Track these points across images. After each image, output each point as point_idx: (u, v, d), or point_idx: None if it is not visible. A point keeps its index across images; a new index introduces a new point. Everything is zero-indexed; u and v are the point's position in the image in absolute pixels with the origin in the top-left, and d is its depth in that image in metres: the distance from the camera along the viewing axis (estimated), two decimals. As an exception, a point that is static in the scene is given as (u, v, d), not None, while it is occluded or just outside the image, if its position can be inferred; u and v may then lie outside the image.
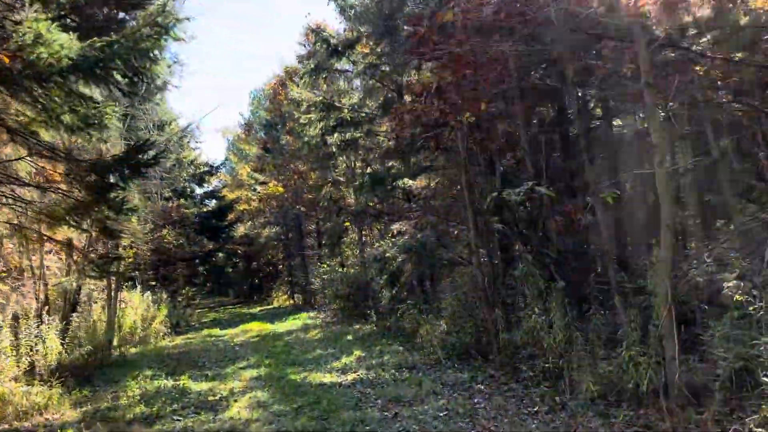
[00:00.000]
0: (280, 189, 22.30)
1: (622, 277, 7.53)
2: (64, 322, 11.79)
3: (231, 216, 30.79)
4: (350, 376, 9.75)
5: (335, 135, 16.03)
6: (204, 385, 9.97)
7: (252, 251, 37.14)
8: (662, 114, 7.86)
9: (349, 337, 14.87)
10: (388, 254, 12.11)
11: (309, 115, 14.78)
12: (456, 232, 14.49)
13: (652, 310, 6.57)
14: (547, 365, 7.43)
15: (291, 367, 11.23)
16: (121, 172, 8.00)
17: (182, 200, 26.57)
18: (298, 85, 16.61)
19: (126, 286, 17.83)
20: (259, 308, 31.57)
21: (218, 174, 32.28)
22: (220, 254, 43.59)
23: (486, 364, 9.05)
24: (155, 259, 22.46)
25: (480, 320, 9.73)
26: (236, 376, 10.75)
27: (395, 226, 13.66)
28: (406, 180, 13.60)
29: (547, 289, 8.26)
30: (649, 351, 6.12)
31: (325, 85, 16.18)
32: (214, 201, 31.95)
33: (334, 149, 16.11)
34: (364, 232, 20.45)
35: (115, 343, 15.01)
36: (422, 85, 6.50)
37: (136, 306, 17.21)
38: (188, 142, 27.97)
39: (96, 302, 15.45)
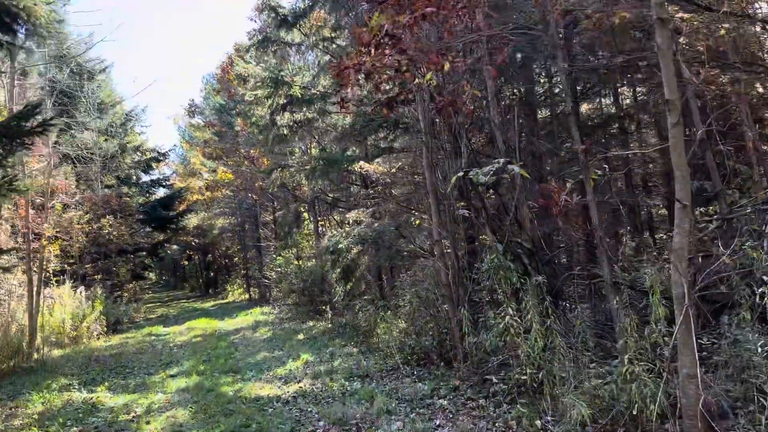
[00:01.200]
0: (229, 176, 20.57)
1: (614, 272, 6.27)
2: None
3: (181, 206, 28.83)
4: (293, 388, 8.31)
5: (286, 115, 14.51)
6: (121, 399, 8.41)
7: (206, 243, 35.24)
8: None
9: (300, 337, 13.43)
10: (341, 245, 10.66)
11: (256, 92, 13.21)
12: (417, 222, 13.24)
13: (649, 311, 5.34)
14: (523, 377, 6.12)
15: (227, 375, 9.73)
16: (-2, 142, 6.37)
17: (126, 188, 24.56)
18: (246, 62, 14.98)
19: (55, 281, 15.97)
20: (212, 303, 29.81)
21: (166, 161, 30.24)
22: (174, 246, 41.56)
23: (450, 372, 7.72)
24: (94, 251, 20.52)
25: (443, 320, 8.40)
26: (162, 386, 9.21)
27: (351, 215, 12.24)
28: (363, 164, 12.17)
29: (522, 286, 6.98)
30: (654, 364, 4.86)
31: (274, 61, 14.58)
32: (162, 190, 29.92)
33: (285, 131, 14.54)
34: (321, 222, 18.97)
35: (38, 344, 13.22)
36: (372, 31, 5.07)
37: (66, 303, 15.39)
38: (133, 126, 25.97)
39: (16, 299, 13.63)
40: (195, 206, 30.15)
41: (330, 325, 14.36)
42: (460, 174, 7.20)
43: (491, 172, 6.86)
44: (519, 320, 6.47)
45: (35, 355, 12.77)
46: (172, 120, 31.51)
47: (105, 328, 16.86)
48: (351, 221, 12.26)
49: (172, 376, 10.18)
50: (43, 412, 7.76)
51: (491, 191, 8.09)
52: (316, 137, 14.89)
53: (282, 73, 12.94)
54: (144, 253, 26.81)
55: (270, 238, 23.46)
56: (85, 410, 7.81)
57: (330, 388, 7.90)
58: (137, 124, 26.87)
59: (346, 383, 8.09)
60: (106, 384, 9.54)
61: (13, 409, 7.99)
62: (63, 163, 21.02)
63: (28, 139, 6.57)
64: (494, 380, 6.65)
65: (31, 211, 13.70)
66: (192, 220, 33.42)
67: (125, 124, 25.32)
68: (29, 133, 6.43)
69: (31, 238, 13.12)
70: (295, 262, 19.07)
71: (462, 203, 8.28)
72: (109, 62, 26.58)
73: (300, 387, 8.23)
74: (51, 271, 15.87)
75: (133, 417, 7.35)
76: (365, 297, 11.86)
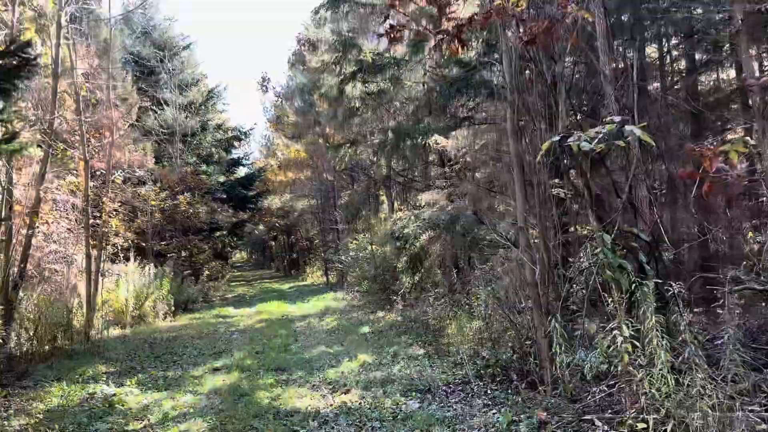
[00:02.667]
0: (302, 154, 19.32)
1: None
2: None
3: (262, 186, 28.11)
4: (338, 399, 6.75)
5: (357, 86, 12.95)
6: (145, 398, 7.20)
7: (289, 225, 34.66)
8: None
9: (365, 330, 11.91)
10: (407, 230, 8.96)
11: (323, 57, 11.71)
12: (500, 207, 11.34)
13: None
14: (641, 425, 4.19)
15: (272, 373, 8.35)
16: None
17: (205, 166, 24.03)
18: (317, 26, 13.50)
19: (123, 258, 15.34)
20: (291, 284, 29.13)
21: (247, 140, 29.61)
22: (261, 227, 41.51)
23: (533, 398, 5.85)
24: (170, 228, 20.01)
25: (526, 330, 6.53)
26: (198, 383, 7.95)
27: (425, 197, 10.48)
28: (438, 139, 10.38)
29: (636, 291, 5.02)
30: None
31: (345, 25, 12.99)
32: (243, 169, 29.35)
33: (356, 103, 12.99)
34: (397, 205, 17.36)
35: (96, 323, 12.52)
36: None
37: (132, 280, 14.70)
38: (214, 104, 25.40)
39: (78, 273, 12.98)
40: (275, 187, 29.40)
41: (399, 318, 12.77)
42: (556, 139, 5.27)
43: (599, 137, 4.91)
44: (636, 341, 4.53)
45: (92, 335, 12.07)
46: (257, 99, 30.32)
47: (172, 308, 16.11)
48: (423, 204, 10.49)
49: (215, 369, 8.94)
50: (51, 410, 6.65)
51: (597, 164, 6.09)
52: (390, 110, 13.22)
53: (351, 35, 11.34)
54: (224, 232, 26.37)
55: (345, 221, 22.17)
56: (98, 412, 6.61)
57: (381, 406, 6.26)
58: (219, 101, 26.37)
59: (402, 400, 6.42)
60: (140, 376, 8.41)
61: (26, 403, 6.93)
62: (142, 139, 20.64)
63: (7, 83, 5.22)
64: (596, 422, 4.74)
65: (91, 183, 12.97)
66: (275, 201, 32.88)
67: (207, 102, 24.78)
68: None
69: (90, 210, 12.37)
70: (369, 248, 17.59)
71: (556, 181, 6.34)
72: (193, 39, 26.09)
73: (346, 400, 6.65)
74: (119, 247, 15.26)
75: (145, 426, 6.05)
76: (437, 290, 10.13)
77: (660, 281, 5.24)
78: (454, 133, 10.59)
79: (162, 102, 22.17)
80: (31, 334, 9.62)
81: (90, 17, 15.62)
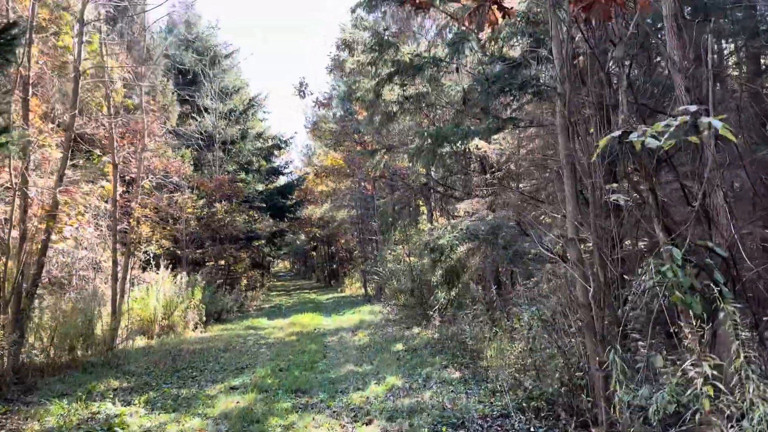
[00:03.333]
0: (340, 162, 18.71)
1: None
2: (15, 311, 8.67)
3: (301, 195, 27.67)
4: None
5: (395, 89, 12.25)
6: (149, 421, 6.57)
7: (329, 235, 34.20)
8: None
9: (398, 347, 11.09)
10: (443, 241, 8.13)
11: (359, 58, 11.05)
12: (545, 219, 10.43)
13: None
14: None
15: (292, 396, 7.63)
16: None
17: (243, 174, 23.71)
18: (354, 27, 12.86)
19: (154, 265, 14.99)
20: (330, 296, 28.52)
21: (287, 149, 29.22)
22: (302, 236, 41.21)
23: (585, 441, 4.93)
24: (207, 236, 19.67)
25: (576, 358, 5.59)
26: (210, 405, 7.29)
27: (463, 206, 9.63)
28: (479, 143, 9.57)
29: (710, 317, 4.13)
30: None
31: (383, 24, 12.33)
32: (283, 178, 29.00)
33: (393, 108, 12.26)
34: (436, 215, 16.52)
35: (120, 333, 12.12)
36: None
37: (161, 289, 14.30)
38: (255, 112, 25.14)
39: (102, 280, 12.63)
40: (315, 197, 28.94)
41: (436, 336, 11.92)
42: (616, 134, 4.39)
43: (669, 132, 4.01)
44: (718, 381, 3.61)
45: (116, 345, 11.64)
46: (299, 107, 29.70)
47: (203, 318, 15.66)
48: (462, 213, 9.64)
49: (232, 388, 8.27)
50: None
51: (661, 166, 5.18)
52: (429, 115, 12.44)
53: (388, 33, 10.64)
54: (263, 241, 26.01)
55: (381, 232, 21.46)
56: (93, 436, 6.01)
57: (406, 442, 5.44)
58: (260, 110, 26.11)
59: (431, 436, 5.58)
60: (151, 394, 7.82)
61: (23, 422, 6.39)
62: (181, 146, 20.46)
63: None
64: (667, 482, 3.81)
65: (122, 189, 12.63)
66: (315, 211, 32.47)
67: (247, 110, 24.55)
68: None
69: (119, 216, 12.01)
70: (407, 259, 16.79)
71: (614, 185, 5.44)
72: (235, 47, 25.97)
73: (368, 432, 5.85)
74: (151, 254, 14.91)
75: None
76: (475, 307, 9.25)
77: (739, 305, 4.30)
78: (496, 137, 9.74)
79: (202, 109, 22.01)
80: (46, 344, 9.20)
81: (126, 18, 15.40)
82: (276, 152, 27.29)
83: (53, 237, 10.64)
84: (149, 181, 15.09)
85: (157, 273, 14.93)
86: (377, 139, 14.17)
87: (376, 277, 19.40)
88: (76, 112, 9.32)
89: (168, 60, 21.16)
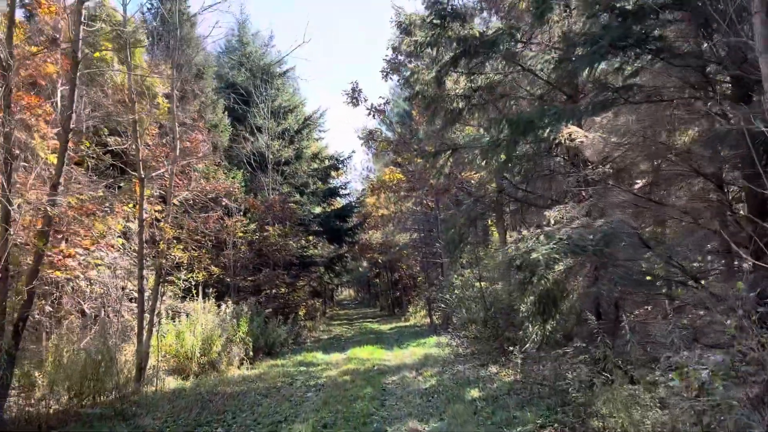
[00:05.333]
0: (398, 176, 16.58)
1: None
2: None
3: (357, 217, 25.70)
4: None
5: (461, 81, 10.11)
6: None
7: (391, 261, 32.01)
8: None
9: (474, 394, 8.71)
10: (536, 255, 5.76)
11: (416, 37, 8.99)
12: (661, 229, 8.08)
13: None
14: None
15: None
16: None
17: (298, 196, 21.97)
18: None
19: (190, 294, 13.25)
20: (392, 325, 26.20)
21: (345, 169, 27.33)
22: (365, 263, 39.22)
23: None
24: (257, 262, 17.92)
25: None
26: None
27: (552, 214, 7.20)
28: (572, 130, 7.25)
29: None
30: None
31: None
32: (340, 200, 27.14)
33: (459, 104, 10.09)
34: (509, 232, 14.07)
35: (149, 374, 10.32)
36: None
37: (201, 321, 12.48)
38: (310, 131, 23.54)
39: (130, 312, 10.93)
40: (375, 221, 26.90)
41: (519, 377, 9.45)
42: None
43: None
44: None
45: (142, 388, 9.83)
46: (358, 133, 27.35)
47: (250, 353, 13.73)
48: (553, 222, 7.21)
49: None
50: None
51: None
52: (502, 111, 10.15)
53: (453, 4, 8.53)
54: (321, 268, 24.13)
55: (447, 252, 19.09)
56: None
57: None
58: (315, 129, 24.51)
59: None
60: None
61: None
62: (233, 168, 19.00)
63: None
64: None
65: (150, 207, 10.96)
66: (375, 236, 30.44)
67: (302, 129, 22.98)
68: None
69: (146, 238, 10.33)
70: (477, 284, 14.36)
71: None
72: (290, 65, 24.60)
73: None
74: (192, 282, 13.18)
75: None
76: (578, 344, 6.77)
77: None
78: (598, 119, 7.36)
79: (255, 129, 20.57)
80: (43, 392, 7.42)
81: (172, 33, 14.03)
82: (333, 173, 25.56)
83: (68, 262, 9.00)
84: (188, 201, 13.49)
85: (202, 303, 13.18)
86: (437, 140, 11.99)
87: (442, 305, 17.00)
88: (74, 109, 7.63)
89: (217, 76, 19.93)
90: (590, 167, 7.89)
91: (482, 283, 14.37)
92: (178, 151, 10.93)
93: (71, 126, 7.49)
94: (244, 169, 19.74)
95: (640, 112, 6.90)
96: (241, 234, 16.84)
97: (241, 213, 17.89)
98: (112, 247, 10.45)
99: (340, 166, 25.10)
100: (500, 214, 12.55)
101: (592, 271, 6.49)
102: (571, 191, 7.87)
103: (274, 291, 18.43)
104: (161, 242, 10.50)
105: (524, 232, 6.43)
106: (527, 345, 6.82)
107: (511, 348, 10.96)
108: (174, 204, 11.52)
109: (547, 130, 7.28)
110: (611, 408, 6.07)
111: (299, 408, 8.76)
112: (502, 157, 7.69)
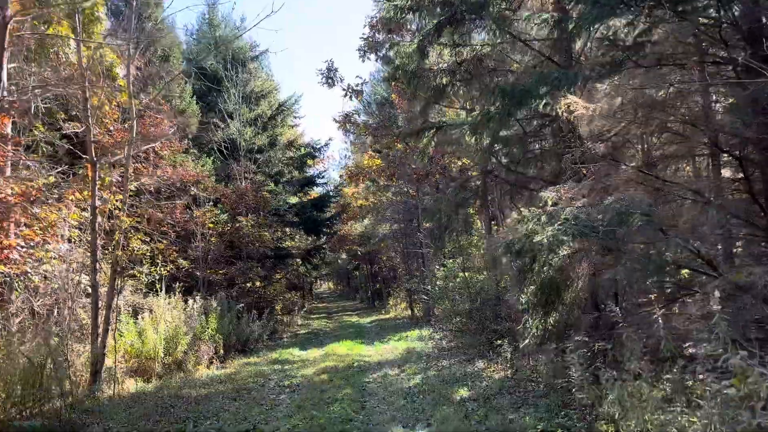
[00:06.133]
0: (377, 161, 15.66)
1: None
2: None
3: (334, 208, 24.72)
4: None
5: (445, 53, 9.27)
6: None
7: (370, 252, 31.11)
8: None
9: (462, 393, 7.91)
10: (539, 238, 4.93)
11: (396, 1, 8.10)
12: (672, 212, 7.21)
13: None
14: None
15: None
16: None
17: (273, 185, 20.89)
18: None
19: (153, 289, 12.24)
20: (372, 318, 25.35)
21: (322, 157, 26.21)
22: (343, 255, 38.24)
23: None
24: (229, 254, 16.87)
25: None
26: None
27: (548, 195, 6.36)
28: (570, 100, 6.42)
29: None
30: None
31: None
32: (318, 190, 26.09)
33: (443, 79, 9.23)
34: (494, 220, 13.28)
35: (107, 376, 9.32)
36: None
37: (169, 317, 11.48)
38: (284, 118, 22.47)
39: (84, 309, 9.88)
40: (354, 213, 25.93)
41: (511, 374, 8.68)
42: None
43: None
44: None
45: (98, 392, 8.83)
46: (336, 123, 26.39)
47: (221, 351, 12.75)
48: (549, 204, 6.38)
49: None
50: None
51: None
52: (489, 84, 9.31)
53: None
54: (298, 260, 23.11)
55: (430, 245, 18.27)
56: None
57: None
58: (290, 115, 23.40)
59: None
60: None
61: None
62: (203, 155, 17.93)
63: None
64: None
65: (111, 196, 9.93)
66: (355, 227, 29.50)
67: (276, 115, 21.87)
68: None
69: (99, 228, 9.30)
70: (461, 275, 13.58)
71: None
72: (263, 49, 23.39)
73: None
74: (157, 276, 12.15)
75: None
76: (578, 339, 5.96)
77: None
78: (604, 87, 6.55)
79: (226, 115, 19.42)
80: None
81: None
82: (310, 161, 24.48)
83: (10, 254, 7.96)
84: (154, 189, 12.43)
85: (166, 298, 12.15)
86: (421, 119, 11.07)
87: (424, 296, 16.21)
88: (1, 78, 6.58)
89: (185, 60, 18.76)
90: (589, 143, 7.10)
91: (467, 274, 13.59)
92: (135, 133, 9.87)
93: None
94: (215, 157, 18.64)
95: (648, 78, 6.10)
96: (211, 225, 15.79)
97: (212, 203, 16.82)
98: (63, 238, 9.39)
99: (317, 154, 24.05)
100: (485, 200, 11.72)
101: (598, 256, 5.69)
102: (571, 168, 7.06)
103: (248, 285, 17.41)
104: (117, 232, 9.45)
105: (525, 212, 5.59)
106: (527, 340, 6.00)
107: (499, 342, 10.22)
108: (131, 190, 10.47)
109: (544, 101, 6.46)
110: (621, 409, 5.30)
111: (270, 413, 7.85)
112: (493, 131, 6.84)
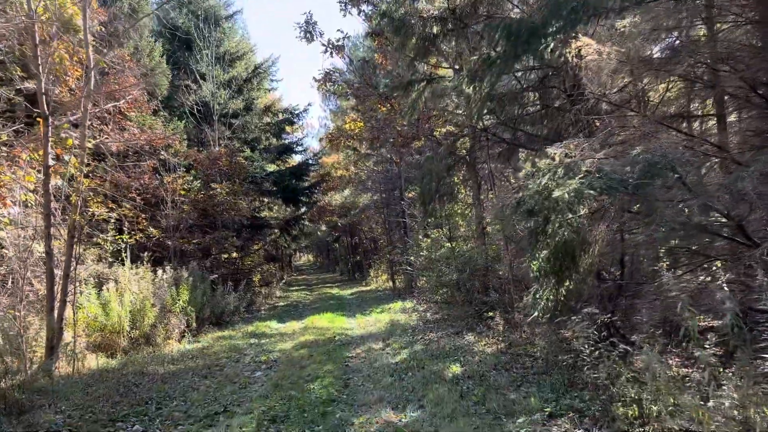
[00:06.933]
0: (359, 124, 14.69)
1: None
2: None
3: (314, 177, 23.71)
4: None
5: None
6: None
7: (351, 224, 30.26)
8: None
9: (454, 370, 7.20)
10: (558, 193, 4.14)
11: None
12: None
13: None
14: None
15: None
16: None
17: (250, 152, 19.79)
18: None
19: (118, 258, 11.29)
20: (353, 290, 24.63)
21: (301, 123, 25.06)
22: (323, 227, 37.31)
23: None
24: (204, 223, 15.89)
25: None
26: None
27: (554, 151, 5.53)
28: (586, 47, 5.62)
29: None
30: None
31: None
32: (298, 158, 24.98)
33: (434, 29, 8.31)
34: (485, 183, 12.51)
35: (70, 349, 8.44)
36: None
37: (136, 289, 10.57)
38: (261, 81, 21.27)
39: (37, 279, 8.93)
40: (333, 182, 24.94)
41: (504, 347, 8.00)
42: None
43: None
44: None
45: (55, 370, 7.95)
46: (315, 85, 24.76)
47: (193, 324, 11.90)
48: (557, 159, 5.57)
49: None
50: None
51: None
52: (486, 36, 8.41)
53: None
54: (276, 230, 22.15)
55: (415, 215, 17.49)
56: None
57: None
58: (267, 79, 22.17)
59: None
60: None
61: None
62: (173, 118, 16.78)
63: None
64: None
65: (73, 159, 8.88)
66: (335, 198, 28.57)
67: (252, 78, 20.65)
68: None
69: (53, 190, 8.31)
70: (447, 245, 12.84)
71: None
72: (237, 8, 21.99)
73: None
74: (124, 244, 11.19)
75: None
76: (587, 310, 5.25)
77: None
78: (625, 25, 5.74)
79: (199, 77, 18.20)
80: None
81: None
82: (288, 128, 23.33)
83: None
84: (119, 152, 11.39)
85: (133, 268, 11.21)
86: (407, 70, 10.07)
87: (408, 267, 15.47)
88: None
89: (155, 17, 17.42)
90: (601, 92, 6.29)
91: (453, 243, 12.86)
92: (93, 83, 8.80)
93: None
94: (187, 121, 17.47)
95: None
96: (183, 191, 14.78)
97: (184, 169, 15.76)
98: (18, 202, 8.38)
99: (296, 120, 22.90)
100: (474, 166, 10.92)
101: (619, 216, 4.93)
102: (579, 123, 6.26)
103: (224, 256, 16.49)
104: (74, 194, 8.45)
105: (540, 162, 4.79)
106: (535, 314, 5.25)
107: (490, 314, 9.54)
108: (90, 149, 9.44)
109: (551, 46, 5.62)
110: (633, 394, 4.63)
111: (244, 392, 7.08)
112: (495, 77, 5.99)
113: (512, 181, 9.70)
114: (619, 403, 4.83)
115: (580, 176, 4.28)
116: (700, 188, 4.86)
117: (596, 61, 5.84)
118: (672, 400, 4.30)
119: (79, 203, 8.60)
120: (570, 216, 4.43)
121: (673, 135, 5.61)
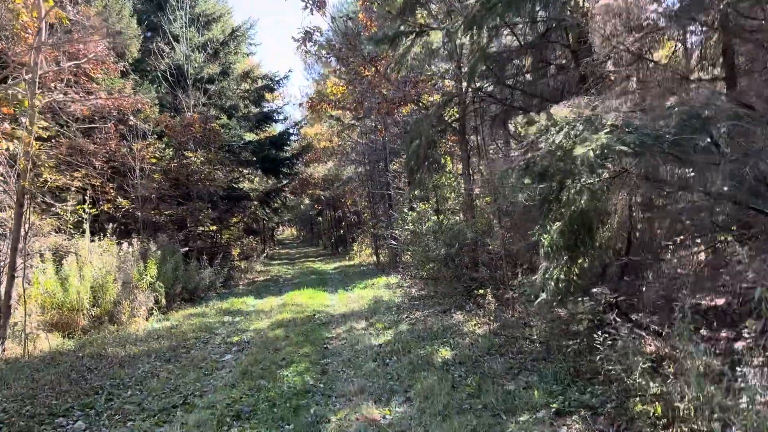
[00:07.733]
0: (341, 89, 13.72)
1: None
2: None
3: (296, 148, 22.69)
4: None
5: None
6: None
7: (334, 197, 29.35)
8: None
9: (444, 354, 6.48)
10: (581, 151, 3.34)
11: None
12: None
13: None
14: None
15: None
16: None
17: (228, 120, 18.69)
18: None
19: (79, 229, 10.35)
20: (336, 265, 23.84)
21: (280, 91, 23.90)
22: (306, 201, 36.36)
23: None
24: (177, 194, 14.90)
25: None
26: None
27: (559, 110, 4.68)
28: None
29: None
30: None
31: None
32: (279, 126, 23.87)
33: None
34: (474, 153, 11.68)
35: (20, 327, 7.59)
36: None
37: (99, 263, 9.68)
38: (238, 45, 20.06)
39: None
40: (316, 155, 23.93)
41: (496, 327, 7.30)
42: None
43: None
44: None
45: (5, 352, 7.11)
46: (299, 50, 23.08)
47: (162, 301, 11.04)
48: (561, 117, 4.74)
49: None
50: None
51: None
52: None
53: None
54: (255, 202, 21.17)
55: (401, 188, 16.65)
56: None
57: None
58: (245, 42, 20.93)
59: None
60: None
61: None
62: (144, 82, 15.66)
63: None
64: None
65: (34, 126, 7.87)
66: (318, 170, 27.59)
67: (229, 42, 19.43)
68: None
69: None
70: (434, 218, 12.08)
71: None
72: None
73: None
74: (86, 215, 10.25)
75: None
76: (596, 290, 4.53)
77: None
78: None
79: (172, 39, 16.99)
80: None
81: None
82: (268, 95, 22.21)
83: None
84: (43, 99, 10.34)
85: (95, 240, 10.30)
86: (396, 23, 9.11)
87: (393, 242, 14.70)
88: None
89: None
90: (615, 42, 5.46)
91: (441, 216, 12.10)
92: (45, 34, 7.76)
93: None
94: (160, 86, 16.33)
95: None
96: (154, 159, 13.76)
97: (156, 136, 14.71)
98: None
99: (275, 87, 21.70)
100: (464, 134, 10.08)
101: (641, 182, 4.16)
102: (588, 78, 5.44)
103: (200, 228, 15.55)
104: (22, 157, 7.48)
105: (560, 111, 3.97)
106: (543, 295, 4.51)
107: (481, 291, 8.84)
108: (44, 108, 8.42)
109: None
110: (663, 383, 3.93)
111: (209, 380, 6.29)
112: (496, 21, 5.13)
113: (512, 144, 8.87)
114: (637, 399, 4.14)
115: (605, 131, 3.48)
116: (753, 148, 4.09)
117: (609, 6, 5.03)
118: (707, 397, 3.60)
119: (28, 167, 7.64)
120: (590, 181, 3.65)
121: (702, 91, 4.82)
